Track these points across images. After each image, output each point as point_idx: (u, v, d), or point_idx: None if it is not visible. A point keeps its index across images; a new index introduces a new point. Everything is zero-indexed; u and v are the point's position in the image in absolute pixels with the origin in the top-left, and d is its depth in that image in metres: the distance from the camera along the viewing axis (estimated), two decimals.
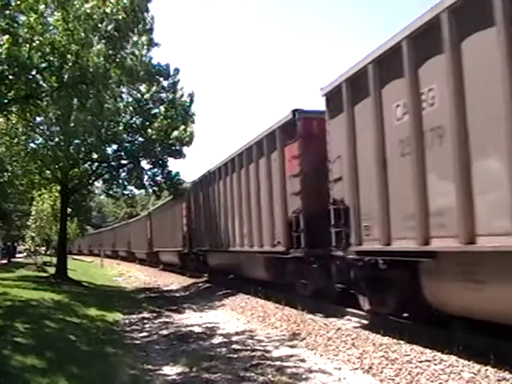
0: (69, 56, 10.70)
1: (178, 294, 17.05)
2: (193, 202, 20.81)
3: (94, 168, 20.34)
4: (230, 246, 15.14)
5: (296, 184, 10.51)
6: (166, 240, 25.82)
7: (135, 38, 13.99)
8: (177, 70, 18.76)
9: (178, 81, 18.87)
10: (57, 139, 16.90)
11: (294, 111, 10.54)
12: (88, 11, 10.71)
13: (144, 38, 15.52)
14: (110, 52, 12.08)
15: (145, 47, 15.93)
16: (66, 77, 10.95)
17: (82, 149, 17.21)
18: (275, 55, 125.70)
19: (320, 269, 9.88)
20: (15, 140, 16.85)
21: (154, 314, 11.98)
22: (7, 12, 9.69)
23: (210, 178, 17.65)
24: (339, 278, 8.93)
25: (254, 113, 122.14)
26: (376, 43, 7.84)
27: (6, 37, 9.77)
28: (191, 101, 18.99)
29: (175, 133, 18.12)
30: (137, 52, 14.89)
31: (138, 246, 37.19)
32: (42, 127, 17.45)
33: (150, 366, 6.83)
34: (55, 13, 10.99)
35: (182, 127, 18.28)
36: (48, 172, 18.88)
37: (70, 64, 10.69)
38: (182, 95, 18.87)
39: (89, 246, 60.73)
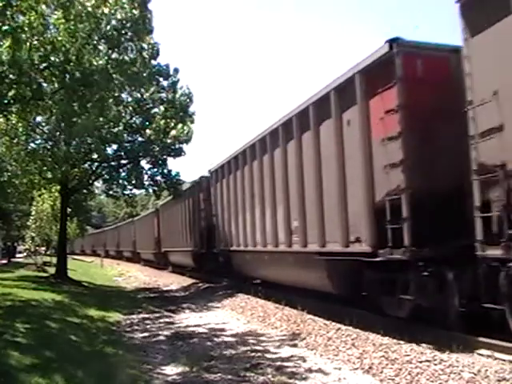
0: (70, 55, 10.71)
1: (177, 294, 17.05)
2: (213, 192, 17.37)
3: (93, 168, 20.35)
4: (268, 244, 12.15)
5: (395, 151, 7.31)
6: (178, 239, 23.03)
7: (138, 45, 13.83)
8: (176, 70, 18.87)
9: (178, 81, 18.99)
10: (61, 144, 16.86)
11: (391, 41, 7.34)
12: (89, 9, 10.73)
13: (148, 42, 15.44)
14: (113, 55, 12.06)
15: (149, 51, 15.87)
16: (67, 78, 10.96)
17: (82, 149, 17.22)
18: (275, 55, 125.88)
19: (434, 279, 6.93)
20: (15, 140, 16.88)
21: (154, 314, 11.98)
22: (8, 12, 9.69)
23: (239, 160, 14.19)
24: (486, 293, 6.04)
25: (254, 113, 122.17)
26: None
27: (8, 39, 9.77)
28: (189, 99, 19.01)
29: (173, 132, 18.14)
30: (143, 54, 14.67)
31: (144, 245, 34.15)
32: (41, 127, 17.46)
33: (150, 366, 6.84)
34: (55, 12, 11.01)
35: (180, 125, 18.29)
36: (48, 172, 18.89)
37: (72, 64, 10.70)
38: (181, 95, 18.91)
39: (92, 246, 59.82)
